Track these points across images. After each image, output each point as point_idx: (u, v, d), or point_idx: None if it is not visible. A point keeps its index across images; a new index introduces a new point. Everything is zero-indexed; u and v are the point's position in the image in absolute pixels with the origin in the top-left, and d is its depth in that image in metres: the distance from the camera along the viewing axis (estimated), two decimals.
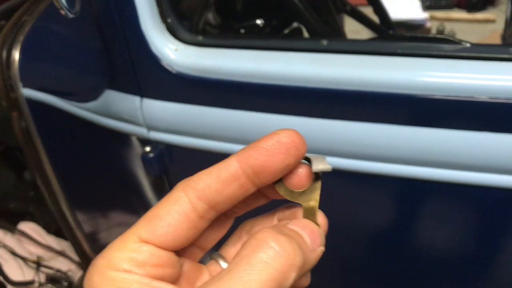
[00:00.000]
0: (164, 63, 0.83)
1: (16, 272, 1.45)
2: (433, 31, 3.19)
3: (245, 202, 0.35)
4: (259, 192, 0.34)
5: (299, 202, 0.33)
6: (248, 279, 0.27)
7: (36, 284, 1.47)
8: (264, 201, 0.36)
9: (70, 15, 0.70)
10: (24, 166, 1.50)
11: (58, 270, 1.52)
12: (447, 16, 3.46)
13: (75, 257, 1.51)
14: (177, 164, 0.93)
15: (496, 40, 2.70)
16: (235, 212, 0.36)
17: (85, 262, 1.41)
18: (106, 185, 1.16)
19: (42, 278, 1.49)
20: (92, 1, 0.83)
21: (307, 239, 0.31)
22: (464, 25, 3.37)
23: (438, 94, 0.68)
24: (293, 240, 0.29)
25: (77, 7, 0.73)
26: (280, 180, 0.33)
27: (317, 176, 0.33)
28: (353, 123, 0.74)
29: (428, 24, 3.24)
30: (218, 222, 0.35)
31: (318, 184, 0.33)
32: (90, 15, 0.85)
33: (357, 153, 0.75)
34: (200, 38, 0.84)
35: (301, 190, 0.33)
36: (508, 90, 0.65)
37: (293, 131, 0.31)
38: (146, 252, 0.29)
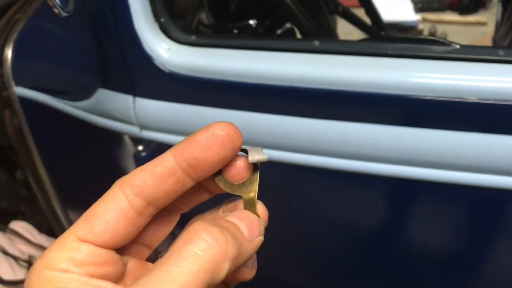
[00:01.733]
0: (157, 62, 0.83)
1: (7, 271, 1.44)
2: (425, 33, 3.21)
3: (188, 198, 0.35)
4: (201, 186, 0.34)
5: (239, 194, 0.33)
6: (178, 271, 0.26)
7: None
8: (207, 195, 0.35)
9: (64, 14, 0.71)
10: (16, 165, 1.49)
11: None
12: (439, 18, 3.48)
13: None
14: None
15: (487, 42, 2.73)
16: (180, 209, 0.36)
17: None
18: (98, 184, 1.15)
19: None
20: (86, 0, 0.84)
21: (244, 229, 0.31)
22: (456, 27, 3.39)
23: (428, 95, 0.69)
24: (226, 231, 0.29)
25: (71, 6, 0.73)
26: (219, 173, 0.33)
27: (255, 167, 0.33)
28: (344, 123, 0.74)
29: (420, 26, 3.26)
30: (163, 219, 0.35)
31: (256, 175, 0.33)
32: (83, 13, 0.85)
33: (348, 153, 0.76)
34: (193, 37, 0.85)
35: (240, 182, 0.33)
36: (497, 91, 0.65)
37: (228, 123, 0.31)
38: (84, 251, 0.29)
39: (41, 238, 1.57)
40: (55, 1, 0.68)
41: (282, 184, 0.87)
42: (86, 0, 0.84)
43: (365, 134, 0.74)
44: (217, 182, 0.33)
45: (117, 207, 0.30)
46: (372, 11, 1.49)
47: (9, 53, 1.08)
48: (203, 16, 1.34)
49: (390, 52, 0.74)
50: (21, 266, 1.48)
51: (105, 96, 0.92)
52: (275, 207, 0.93)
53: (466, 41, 3.07)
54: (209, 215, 0.36)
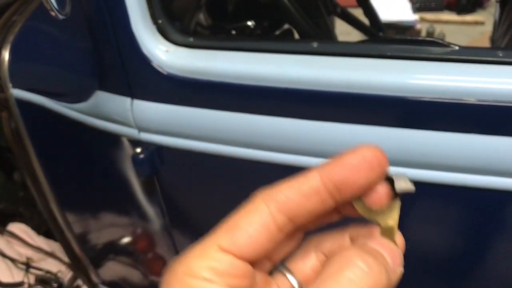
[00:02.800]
0: (155, 64, 0.83)
1: (5, 273, 1.44)
2: (423, 32, 3.21)
3: (318, 217, 0.34)
4: (337, 207, 0.33)
5: (377, 220, 0.32)
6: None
7: (26, 286, 1.46)
8: (336, 217, 0.35)
9: (61, 17, 0.70)
10: (14, 166, 1.49)
11: (47, 272, 1.51)
12: (437, 18, 3.48)
13: (65, 258, 1.50)
14: (168, 165, 0.93)
15: (485, 42, 2.73)
16: (307, 227, 0.35)
17: (75, 263, 1.41)
18: (96, 186, 1.16)
19: (32, 280, 1.48)
20: (83, 2, 0.83)
21: (388, 258, 0.30)
22: (454, 27, 3.40)
23: (427, 96, 0.69)
24: (378, 260, 0.28)
25: (67, 8, 0.72)
26: (359, 197, 0.31)
27: (396, 194, 0.32)
28: (343, 125, 0.74)
29: (418, 26, 3.26)
30: (292, 235, 0.34)
31: (398, 203, 0.32)
32: (80, 15, 0.85)
33: None
34: (191, 39, 0.84)
35: (380, 209, 0.32)
36: (495, 93, 0.65)
37: (376, 147, 0.30)
38: (227, 262, 0.29)
39: (39, 240, 1.57)
40: (52, 4, 0.68)
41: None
42: (83, 2, 0.83)
43: (363, 136, 0.73)
44: (355, 205, 0.32)
45: (261, 221, 0.30)
46: (370, 12, 1.49)
47: (6, 55, 1.07)
48: (201, 17, 1.34)
49: (388, 54, 0.73)
50: (19, 268, 1.47)
51: (103, 98, 0.91)
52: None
53: (464, 41, 3.08)
54: (332, 237, 0.35)
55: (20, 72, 1.09)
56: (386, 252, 0.30)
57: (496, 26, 1.79)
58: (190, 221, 0.31)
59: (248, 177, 0.84)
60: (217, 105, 0.82)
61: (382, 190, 0.31)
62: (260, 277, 0.33)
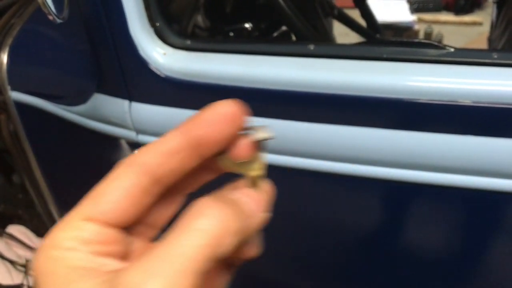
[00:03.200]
0: (153, 67, 0.83)
1: (4, 275, 1.44)
2: (421, 33, 3.21)
3: (193, 177, 0.35)
4: (206, 165, 0.34)
5: (244, 172, 0.33)
6: (182, 245, 0.26)
7: None
8: (212, 175, 0.35)
9: (58, 20, 0.71)
10: (13, 169, 1.49)
11: None
12: (434, 19, 3.49)
13: None
14: None
15: (483, 42, 2.73)
16: (185, 189, 0.35)
17: None
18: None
19: (31, 282, 1.48)
20: (80, 5, 0.84)
21: (248, 205, 0.30)
22: (452, 28, 3.40)
23: (423, 98, 0.69)
24: (228, 206, 0.28)
25: (65, 12, 0.73)
26: (223, 152, 0.32)
27: (260, 145, 0.33)
28: (339, 126, 0.75)
29: (416, 27, 3.26)
30: (169, 199, 0.34)
31: (262, 153, 0.33)
32: (78, 18, 0.86)
33: (344, 156, 0.76)
34: (188, 42, 0.85)
35: (244, 161, 0.32)
36: (490, 94, 0.66)
37: (232, 101, 0.31)
38: (90, 230, 0.29)
39: (38, 242, 1.57)
40: (50, 8, 0.69)
41: (277, 187, 0.87)
42: (81, 5, 0.84)
43: (360, 138, 0.74)
44: (221, 161, 0.33)
45: (123, 186, 0.30)
46: (367, 14, 1.49)
47: (4, 58, 1.08)
48: (199, 19, 1.34)
49: (385, 56, 0.74)
50: (18, 270, 1.48)
51: (101, 101, 0.92)
52: (271, 211, 0.93)
53: (462, 41, 3.08)
54: (215, 195, 0.35)
55: (18, 75, 1.09)
56: (248, 199, 0.31)
57: (494, 26, 1.79)
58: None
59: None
60: None
61: (242, 142, 0.32)
62: (140, 244, 0.33)
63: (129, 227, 0.31)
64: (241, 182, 0.34)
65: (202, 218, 0.27)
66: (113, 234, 0.29)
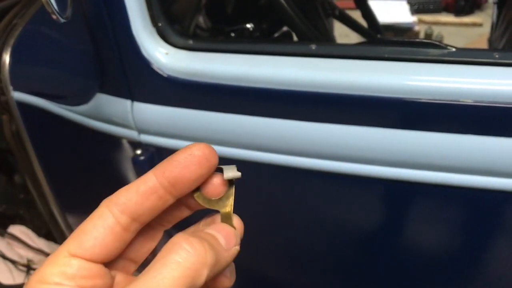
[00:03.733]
0: (155, 66, 0.83)
1: (6, 275, 1.44)
2: (421, 34, 3.21)
3: (170, 214, 0.37)
4: (182, 203, 0.37)
5: (216, 208, 0.36)
6: (162, 277, 0.29)
7: None
8: (188, 212, 0.38)
9: (62, 20, 0.71)
10: (15, 169, 1.49)
11: None
12: (435, 20, 3.49)
13: None
14: None
15: (484, 43, 2.73)
16: (163, 225, 0.38)
17: None
18: (96, 188, 1.16)
19: None
20: (83, 5, 0.84)
21: (221, 240, 0.34)
22: (452, 29, 3.40)
23: (424, 98, 0.69)
24: (204, 241, 0.31)
25: (69, 12, 0.73)
26: (198, 190, 0.35)
27: (230, 183, 0.36)
28: (341, 126, 0.75)
29: (416, 28, 3.26)
30: (147, 235, 0.37)
31: (232, 191, 0.36)
32: (81, 18, 0.86)
33: (345, 156, 0.76)
34: (190, 42, 0.85)
35: (217, 198, 0.36)
36: (492, 94, 0.66)
37: (204, 144, 0.34)
38: (75, 265, 0.31)
39: (39, 242, 1.57)
40: (53, 8, 0.69)
41: (278, 187, 0.87)
42: (84, 5, 0.84)
43: (361, 137, 0.74)
44: (196, 198, 0.36)
45: (104, 224, 0.32)
46: (368, 14, 1.49)
47: (7, 58, 1.08)
48: (201, 20, 1.35)
49: (386, 56, 0.74)
50: (20, 270, 1.47)
51: (103, 101, 0.92)
52: (271, 210, 0.93)
53: (462, 43, 3.08)
54: (191, 230, 0.38)
55: (21, 75, 1.09)
56: (221, 234, 0.34)
57: (494, 27, 1.79)
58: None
59: (247, 178, 0.85)
60: (217, 107, 0.83)
61: (215, 181, 0.36)
62: (121, 277, 0.35)
63: (111, 262, 0.34)
64: (215, 217, 0.37)
65: (179, 251, 0.30)
66: (96, 269, 0.32)
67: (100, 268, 0.32)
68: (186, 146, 0.34)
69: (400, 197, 0.79)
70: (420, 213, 0.79)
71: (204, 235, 0.33)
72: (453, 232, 0.80)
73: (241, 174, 0.36)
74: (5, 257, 1.47)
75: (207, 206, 0.36)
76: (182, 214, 0.38)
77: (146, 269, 0.30)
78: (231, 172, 0.36)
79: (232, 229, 0.35)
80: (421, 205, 0.79)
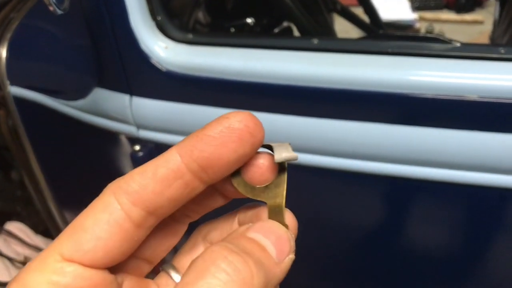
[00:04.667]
0: (154, 61, 0.82)
1: (3, 272, 1.43)
2: (422, 31, 3.21)
3: (198, 204, 0.29)
4: (214, 190, 0.29)
5: (262, 199, 0.28)
6: None
7: None
8: (222, 201, 0.30)
9: (59, 12, 0.69)
10: (11, 165, 1.48)
11: None
12: (436, 17, 3.48)
13: None
14: None
15: (484, 41, 2.73)
16: (188, 217, 0.30)
17: None
18: (94, 185, 1.14)
19: None
20: None
21: (271, 249, 0.26)
22: (453, 26, 3.40)
23: (428, 93, 0.68)
24: (249, 258, 0.24)
25: (66, 3, 0.72)
26: (238, 175, 0.27)
27: (281, 167, 0.28)
28: (343, 122, 0.74)
29: (417, 25, 3.26)
30: (167, 229, 0.29)
31: (284, 177, 0.28)
32: (78, 12, 0.84)
33: (347, 152, 0.75)
34: (190, 36, 0.84)
35: (263, 185, 0.28)
36: (497, 89, 0.65)
37: (247, 113, 0.26)
38: (71, 273, 0.24)
39: (36, 239, 1.56)
40: None
41: None
42: None
43: (365, 133, 0.73)
44: (236, 185, 0.28)
45: (110, 219, 0.25)
46: (370, 10, 1.48)
47: (3, 52, 1.07)
48: (200, 15, 1.33)
49: (390, 50, 0.73)
50: (17, 267, 1.47)
51: (101, 96, 0.91)
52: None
53: (462, 40, 3.07)
54: (222, 223, 0.30)
55: (18, 70, 1.08)
56: (270, 241, 0.26)
57: (496, 24, 1.78)
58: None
59: None
60: (216, 102, 0.81)
61: (262, 163, 0.27)
62: (131, 282, 0.28)
63: (118, 264, 0.26)
64: (260, 211, 0.29)
65: (218, 275, 0.23)
66: (98, 276, 0.25)
67: (103, 275, 0.25)
68: (222, 116, 0.25)
69: (404, 195, 0.78)
70: (427, 210, 0.78)
71: (249, 244, 0.25)
72: (458, 230, 0.79)
73: (294, 159, 0.27)
74: (2, 254, 1.46)
75: (249, 196, 0.28)
76: (214, 203, 0.30)
77: None
78: (284, 152, 0.26)
79: (285, 230, 0.27)
80: (426, 203, 0.78)
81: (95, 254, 0.24)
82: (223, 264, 0.23)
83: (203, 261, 0.23)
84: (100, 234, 0.24)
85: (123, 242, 0.25)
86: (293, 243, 0.27)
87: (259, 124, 0.26)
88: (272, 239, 0.26)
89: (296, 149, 0.79)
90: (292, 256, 0.26)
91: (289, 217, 0.28)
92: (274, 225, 0.27)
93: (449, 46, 0.73)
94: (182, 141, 0.26)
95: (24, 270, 0.24)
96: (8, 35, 1.08)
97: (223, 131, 0.25)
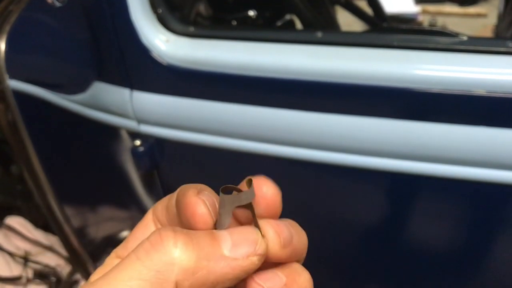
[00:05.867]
0: (155, 54, 0.81)
1: (3, 267, 1.43)
2: (425, 24, 3.19)
3: None
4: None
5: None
6: (116, 277, 0.25)
7: (24, 280, 1.45)
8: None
9: (58, 4, 0.68)
10: (11, 159, 1.48)
11: (46, 265, 1.50)
12: (439, 10, 3.46)
13: (64, 252, 1.49)
14: (168, 158, 0.92)
15: (488, 34, 2.71)
16: None
17: (73, 257, 1.39)
18: (94, 179, 1.14)
19: (30, 274, 1.47)
20: None
21: (225, 241, 0.27)
22: (456, 19, 3.38)
23: (435, 88, 0.67)
24: (181, 236, 0.26)
25: None
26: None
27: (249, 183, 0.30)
28: (347, 116, 0.73)
29: (420, 18, 3.24)
30: None
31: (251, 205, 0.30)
32: (78, 5, 0.83)
33: (352, 148, 0.74)
34: (191, 29, 0.83)
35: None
36: (506, 84, 0.64)
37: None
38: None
39: (37, 234, 1.56)
40: None
41: (282, 179, 0.85)
42: None
43: (369, 128, 0.72)
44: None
45: (145, 226, 0.33)
46: (374, 2, 1.47)
47: (2, 45, 1.06)
48: (201, 8, 1.32)
49: (395, 44, 0.72)
50: (17, 262, 1.46)
51: (101, 90, 0.90)
52: None
53: (466, 33, 3.06)
54: (163, 202, 0.34)
55: (17, 63, 1.07)
56: (230, 236, 0.27)
57: (501, 18, 1.77)
58: None
59: (250, 170, 0.83)
60: (218, 97, 0.80)
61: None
62: None
63: None
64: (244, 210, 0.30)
65: (144, 244, 0.27)
66: None
67: None
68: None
69: (409, 191, 0.77)
70: (434, 207, 0.77)
71: (201, 232, 0.27)
72: (463, 227, 0.78)
73: (244, 167, 0.31)
74: (2, 249, 1.46)
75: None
76: None
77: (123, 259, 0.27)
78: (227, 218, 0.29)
79: (254, 233, 0.28)
80: (432, 199, 0.77)
81: None
82: (152, 237, 0.27)
83: (151, 234, 0.27)
84: (140, 237, 0.30)
85: None
86: (261, 250, 0.27)
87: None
88: (235, 235, 0.27)
89: (299, 144, 0.78)
90: (253, 259, 0.27)
91: (269, 230, 0.29)
92: (246, 228, 0.28)
93: (455, 39, 0.72)
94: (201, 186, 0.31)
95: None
96: (7, 28, 1.07)
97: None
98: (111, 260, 0.32)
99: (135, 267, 0.25)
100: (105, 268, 0.30)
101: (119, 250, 0.33)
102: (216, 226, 0.29)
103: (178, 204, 0.30)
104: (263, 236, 0.28)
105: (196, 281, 0.26)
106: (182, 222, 0.30)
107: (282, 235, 0.29)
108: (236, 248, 0.27)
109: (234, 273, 0.26)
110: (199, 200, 0.28)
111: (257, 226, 0.28)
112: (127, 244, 0.32)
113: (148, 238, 0.27)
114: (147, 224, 0.33)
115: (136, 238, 0.32)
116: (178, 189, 0.31)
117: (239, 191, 0.29)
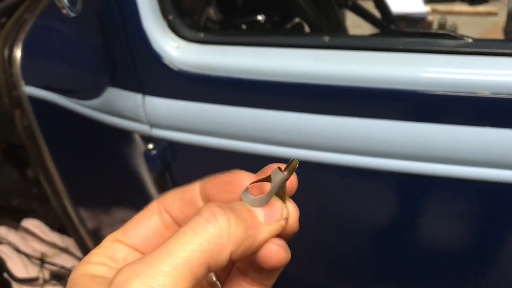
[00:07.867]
0: (166, 60, 0.82)
1: (20, 269, 1.45)
2: (435, 24, 3.17)
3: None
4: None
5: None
6: (177, 249, 0.28)
7: (41, 281, 1.47)
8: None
9: (72, 14, 0.70)
10: (27, 163, 1.50)
11: (62, 267, 1.52)
12: (448, 9, 3.44)
13: (79, 253, 1.51)
14: (180, 161, 0.93)
15: (498, 33, 2.69)
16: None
17: None
18: (108, 182, 1.16)
19: (46, 275, 1.49)
20: None
21: (259, 212, 0.32)
22: (466, 18, 3.35)
23: (440, 90, 0.68)
24: (230, 212, 0.30)
25: (79, 6, 0.72)
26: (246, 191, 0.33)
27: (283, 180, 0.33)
28: (355, 119, 0.74)
29: (430, 18, 3.22)
30: None
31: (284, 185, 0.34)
32: (91, 13, 0.85)
33: (359, 149, 0.75)
34: (201, 35, 0.84)
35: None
36: (510, 85, 0.64)
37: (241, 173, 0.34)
38: (116, 248, 0.33)
39: (53, 236, 1.58)
40: (64, 2, 0.68)
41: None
42: None
43: (376, 130, 0.73)
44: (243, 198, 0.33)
45: (149, 216, 0.34)
46: (381, 4, 1.47)
47: (18, 53, 1.08)
48: (211, 12, 1.34)
49: (401, 47, 0.73)
50: (34, 263, 1.49)
51: (114, 95, 0.92)
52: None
53: (476, 32, 3.04)
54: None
55: (32, 70, 1.09)
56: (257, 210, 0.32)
57: (510, 16, 1.76)
58: None
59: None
60: (229, 101, 0.82)
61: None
62: None
63: None
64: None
65: (200, 221, 0.29)
66: (134, 255, 0.33)
67: (138, 256, 0.32)
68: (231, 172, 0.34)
69: (415, 191, 0.78)
70: (439, 208, 0.78)
71: (238, 205, 0.31)
72: (469, 227, 0.78)
73: (253, 168, 0.34)
74: (19, 251, 1.48)
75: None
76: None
77: (169, 238, 0.29)
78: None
79: (279, 201, 0.33)
80: (437, 200, 0.78)
81: (135, 239, 0.34)
82: (205, 213, 0.29)
83: (194, 214, 0.30)
84: (141, 226, 0.34)
85: (155, 235, 0.34)
86: (284, 211, 0.33)
87: (245, 176, 0.34)
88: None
89: (308, 146, 0.79)
90: (281, 222, 0.32)
91: (291, 203, 0.34)
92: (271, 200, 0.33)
93: (460, 42, 0.73)
94: (206, 177, 0.35)
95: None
96: (23, 36, 1.10)
97: (226, 179, 0.34)
98: (109, 243, 0.33)
99: (194, 241, 0.28)
100: (102, 250, 0.33)
101: (117, 235, 0.34)
102: (266, 195, 0.33)
103: (224, 179, 0.33)
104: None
105: (245, 247, 0.30)
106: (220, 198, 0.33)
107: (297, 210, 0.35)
108: (268, 217, 0.32)
109: (270, 235, 0.31)
110: (246, 173, 0.34)
111: (283, 200, 0.33)
112: (126, 231, 0.34)
113: (200, 215, 0.29)
114: (151, 215, 0.34)
115: (138, 226, 0.34)
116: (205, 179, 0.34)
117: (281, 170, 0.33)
